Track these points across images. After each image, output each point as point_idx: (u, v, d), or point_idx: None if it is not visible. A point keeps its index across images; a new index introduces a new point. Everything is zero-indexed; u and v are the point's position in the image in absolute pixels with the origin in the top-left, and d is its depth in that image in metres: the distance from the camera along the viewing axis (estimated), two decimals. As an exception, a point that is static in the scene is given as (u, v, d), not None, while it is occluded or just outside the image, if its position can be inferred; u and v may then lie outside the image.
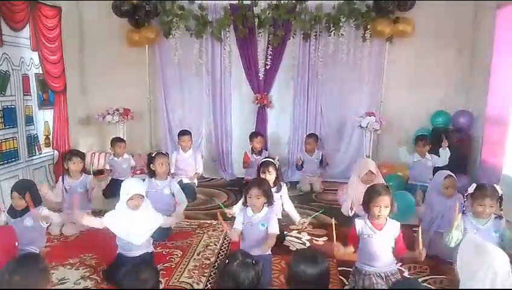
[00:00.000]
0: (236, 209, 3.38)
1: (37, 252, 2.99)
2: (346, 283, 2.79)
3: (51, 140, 5.13)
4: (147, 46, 5.66)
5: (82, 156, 3.90)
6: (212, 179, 5.74)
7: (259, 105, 5.64)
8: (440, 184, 3.30)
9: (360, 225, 2.63)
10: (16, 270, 1.77)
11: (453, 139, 4.96)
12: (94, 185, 3.97)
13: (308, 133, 5.43)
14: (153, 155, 3.80)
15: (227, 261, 1.95)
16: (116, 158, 4.89)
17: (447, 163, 4.39)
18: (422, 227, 3.11)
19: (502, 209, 2.75)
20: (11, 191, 2.99)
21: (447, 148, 4.47)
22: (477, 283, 1.93)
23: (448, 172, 3.34)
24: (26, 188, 3.04)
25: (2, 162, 4.24)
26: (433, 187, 3.42)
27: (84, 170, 3.93)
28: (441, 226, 3.21)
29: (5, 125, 4.27)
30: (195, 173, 5.04)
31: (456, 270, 2.18)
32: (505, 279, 1.90)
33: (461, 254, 2.17)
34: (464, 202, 2.84)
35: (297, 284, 1.97)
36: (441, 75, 5.40)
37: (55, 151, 5.18)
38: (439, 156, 4.48)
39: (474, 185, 2.76)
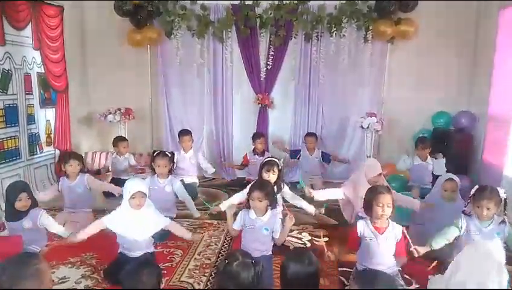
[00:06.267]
0: (226, 204, 3.38)
1: (38, 250, 3.00)
2: (347, 284, 2.79)
3: (52, 139, 5.14)
4: (148, 46, 5.66)
5: (80, 158, 3.89)
6: (213, 179, 5.74)
7: (260, 105, 5.64)
8: (439, 187, 3.29)
9: (362, 226, 2.63)
10: (3, 271, 1.73)
11: (454, 140, 4.98)
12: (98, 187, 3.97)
13: (307, 132, 5.43)
14: (154, 155, 3.82)
15: (226, 261, 1.95)
16: (118, 157, 4.91)
17: (445, 170, 4.38)
18: (423, 230, 3.12)
19: (506, 214, 2.74)
20: (17, 192, 2.96)
21: (443, 159, 4.50)
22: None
23: (450, 175, 3.33)
24: (28, 188, 3.07)
25: (3, 161, 4.24)
26: (435, 190, 3.42)
27: (82, 170, 3.92)
28: (441, 229, 3.21)
29: (6, 124, 4.28)
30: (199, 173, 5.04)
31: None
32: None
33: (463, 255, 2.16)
34: (467, 203, 2.84)
35: (287, 283, 1.99)
36: (442, 76, 5.39)
37: (57, 150, 5.18)
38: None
39: (476, 187, 2.78)
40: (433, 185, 3.75)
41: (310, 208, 3.61)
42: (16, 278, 1.72)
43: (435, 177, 3.99)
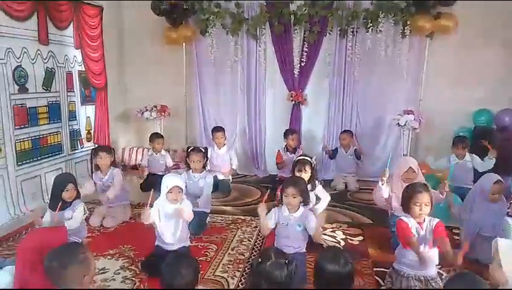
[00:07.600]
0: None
1: (80, 241, 3.12)
2: (382, 284, 2.74)
3: (92, 135, 5.32)
4: (184, 44, 5.75)
5: (108, 150, 3.94)
6: (246, 175, 5.77)
7: (293, 102, 5.61)
8: (487, 189, 3.14)
9: (410, 223, 2.50)
10: (54, 258, 1.87)
11: (496, 139, 4.77)
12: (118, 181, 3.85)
13: (342, 130, 5.37)
14: (189, 150, 3.89)
15: (259, 259, 1.95)
16: (154, 153, 5.02)
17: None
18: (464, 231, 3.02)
19: None
20: (65, 183, 3.07)
21: (494, 159, 4.22)
22: None
23: (498, 177, 3.12)
24: (75, 180, 3.20)
25: (47, 155, 4.43)
26: (477, 190, 3.27)
27: (114, 164, 4.00)
28: (483, 230, 3.09)
29: (50, 120, 4.47)
30: (230, 168, 5.08)
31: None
32: None
33: None
34: (510, 205, 2.72)
35: (320, 282, 1.98)
36: (483, 72, 5.15)
37: (96, 145, 5.36)
38: (482, 159, 4.29)
39: None
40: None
41: (320, 209, 3.48)
42: (66, 264, 1.85)
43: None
